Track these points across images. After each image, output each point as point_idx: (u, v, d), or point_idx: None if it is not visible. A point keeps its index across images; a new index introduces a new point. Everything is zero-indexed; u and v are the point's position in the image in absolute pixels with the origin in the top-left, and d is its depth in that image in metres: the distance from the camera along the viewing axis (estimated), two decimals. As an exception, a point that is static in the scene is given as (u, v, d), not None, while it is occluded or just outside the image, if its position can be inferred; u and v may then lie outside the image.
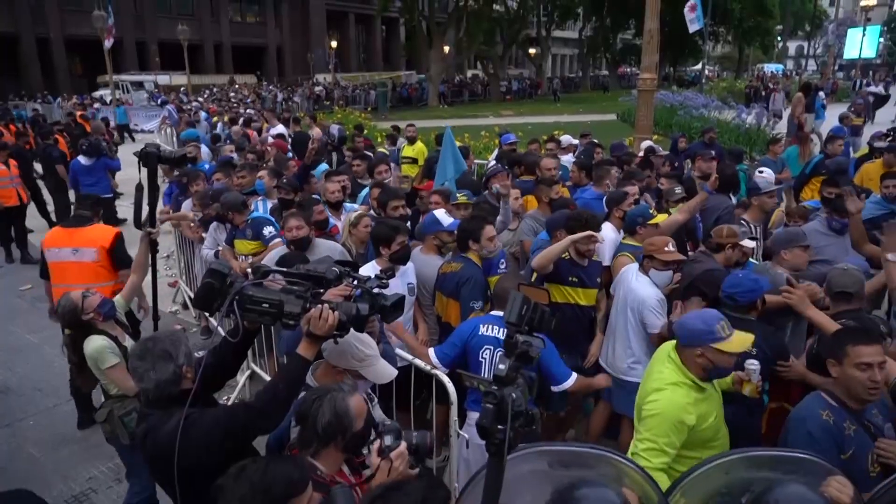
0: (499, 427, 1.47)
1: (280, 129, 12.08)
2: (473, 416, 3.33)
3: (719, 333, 2.60)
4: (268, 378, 5.04)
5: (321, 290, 2.23)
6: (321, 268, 2.30)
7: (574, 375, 3.35)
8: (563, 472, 1.96)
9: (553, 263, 3.95)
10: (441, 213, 4.33)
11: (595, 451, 2.08)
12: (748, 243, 4.11)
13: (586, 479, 1.69)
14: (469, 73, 51.32)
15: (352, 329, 2.48)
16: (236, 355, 2.44)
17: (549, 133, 10.95)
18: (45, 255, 4.80)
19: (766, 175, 6.23)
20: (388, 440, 2.07)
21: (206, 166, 8.24)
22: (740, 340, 2.64)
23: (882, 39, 52.19)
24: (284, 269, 2.34)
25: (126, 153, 10.85)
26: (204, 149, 9.71)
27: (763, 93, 27.01)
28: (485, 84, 42.87)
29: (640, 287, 3.81)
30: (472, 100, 40.20)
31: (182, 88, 32.69)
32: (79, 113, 19.57)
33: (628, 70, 54.09)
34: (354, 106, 32.27)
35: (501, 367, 1.50)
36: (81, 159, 8.98)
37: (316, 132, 10.71)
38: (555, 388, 3.33)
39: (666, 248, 3.74)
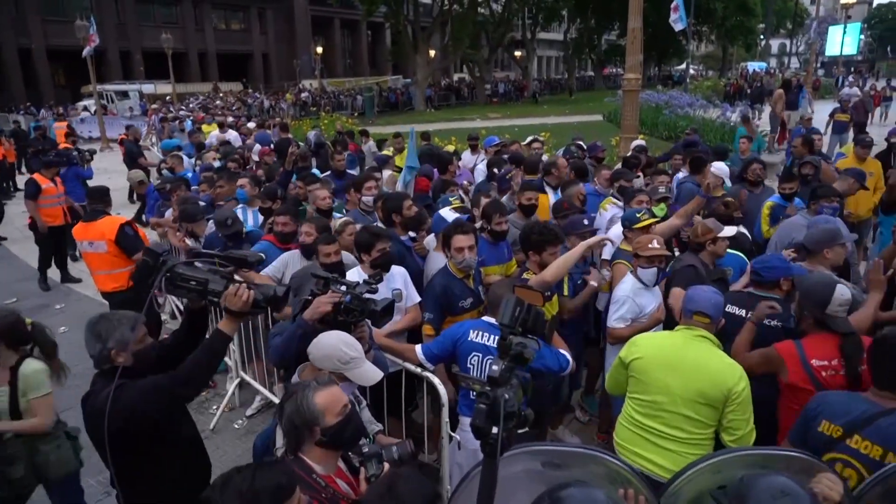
0: (492, 427, 1.48)
1: (230, 135, 12.25)
2: (466, 420, 3.29)
3: None
4: (257, 385, 5.03)
5: (246, 270, 2.45)
6: (245, 252, 2.51)
7: (570, 359, 3.30)
8: (554, 473, 1.95)
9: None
10: (445, 212, 4.28)
11: (586, 451, 2.08)
12: (728, 231, 4.13)
13: (575, 479, 1.68)
14: (455, 77, 51.40)
15: (341, 330, 2.55)
16: (189, 335, 2.63)
17: (536, 135, 10.96)
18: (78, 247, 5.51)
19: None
20: (372, 468, 2.15)
21: (189, 174, 8.24)
22: None
23: (863, 36, 52.83)
24: (212, 252, 2.57)
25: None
26: (186, 158, 9.74)
27: (748, 91, 27.21)
28: (471, 87, 42.96)
29: (619, 286, 3.86)
30: (458, 103, 40.26)
31: (167, 97, 32.47)
32: (63, 124, 19.39)
33: (613, 70, 54.43)
34: (341, 111, 32.22)
35: (495, 367, 1.50)
36: None
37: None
38: (564, 374, 3.40)
39: (650, 245, 3.75)
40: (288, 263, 4.45)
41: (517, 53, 47.35)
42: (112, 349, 2.39)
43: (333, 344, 2.44)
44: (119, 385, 2.22)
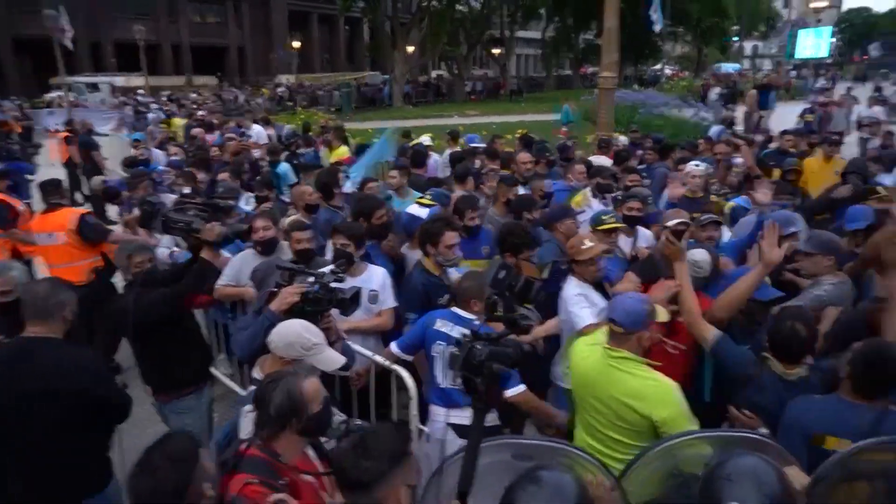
0: (475, 378, 1.59)
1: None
2: (435, 409, 3.29)
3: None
4: (223, 378, 5.01)
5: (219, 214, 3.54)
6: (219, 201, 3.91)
7: (522, 387, 3.02)
8: (525, 465, 1.96)
9: None
10: (415, 208, 4.27)
11: (552, 445, 2.12)
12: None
13: (545, 465, 1.70)
14: (434, 74, 51.31)
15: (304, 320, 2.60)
16: (190, 265, 3.57)
17: (514, 132, 11.01)
18: (35, 240, 5.32)
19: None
20: None
21: (159, 168, 8.24)
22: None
23: (834, 39, 54.02)
24: (194, 201, 3.66)
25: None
26: (155, 151, 9.73)
27: (721, 91, 27.50)
28: (449, 84, 42.87)
29: (565, 289, 3.66)
30: (437, 100, 40.18)
31: (140, 91, 31.86)
32: (12, 114, 19.00)
33: (591, 70, 54.84)
34: (318, 107, 31.91)
35: (477, 322, 1.54)
36: None
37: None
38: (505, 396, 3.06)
39: (583, 247, 3.53)
40: (241, 267, 4.29)
41: (495, 51, 47.43)
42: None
43: (296, 331, 2.43)
44: (137, 293, 3.35)
